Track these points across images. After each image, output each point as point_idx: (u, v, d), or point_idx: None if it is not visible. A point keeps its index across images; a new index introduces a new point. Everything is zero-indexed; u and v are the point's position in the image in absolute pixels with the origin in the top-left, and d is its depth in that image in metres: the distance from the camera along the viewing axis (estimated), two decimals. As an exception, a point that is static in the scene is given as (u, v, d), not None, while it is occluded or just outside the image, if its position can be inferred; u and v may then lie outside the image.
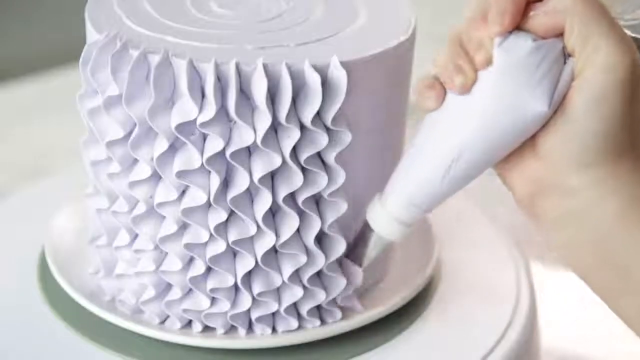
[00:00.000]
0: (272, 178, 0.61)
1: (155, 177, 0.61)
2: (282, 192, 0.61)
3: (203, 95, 0.59)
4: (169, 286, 0.65)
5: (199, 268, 0.63)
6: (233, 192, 0.61)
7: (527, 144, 0.55)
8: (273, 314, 0.65)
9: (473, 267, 0.76)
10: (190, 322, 0.66)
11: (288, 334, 0.66)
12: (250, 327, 0.66)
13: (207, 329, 0.66)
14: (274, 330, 0.66)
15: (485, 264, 0.77)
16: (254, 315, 0.65)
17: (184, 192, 0.61)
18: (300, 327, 0.66)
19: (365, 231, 0.60)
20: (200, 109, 0.59)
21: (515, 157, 0.56)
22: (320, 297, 0.65)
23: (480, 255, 0.78)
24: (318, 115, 0.60)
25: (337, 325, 0.67)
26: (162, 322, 0.66)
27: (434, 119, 0.55)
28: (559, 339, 1.06)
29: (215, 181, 0.60)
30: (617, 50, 0.51)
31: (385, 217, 0.58)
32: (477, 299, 0.73)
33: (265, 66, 0.59)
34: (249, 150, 0.60)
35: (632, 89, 0.52)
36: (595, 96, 0.52)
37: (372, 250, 0.60)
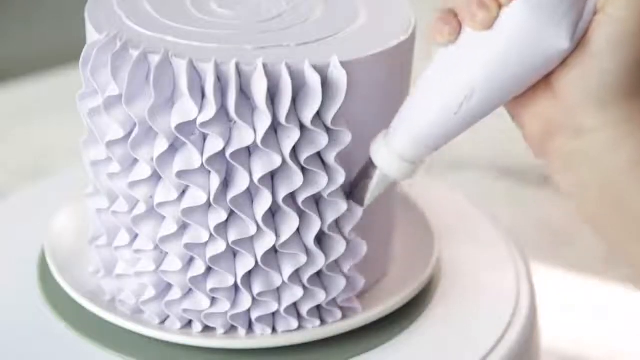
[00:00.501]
0: (272, 178, 0.61)
1: (155, 177, 0.61)
2: (282, 192, 0.61)
3: (203, 95, 0.59)
4: (169, 286, 0.65)
5: (199, 268, 0.63)
6: (233, 192, 0.61)
7: (541, 81, 0.54)
8: (273, 314, 0.65)
9: (473, 267, 0.76)
10: (190, 322, 0.66)
11: (288, 334, 0.66)
12: (250, 327, 0.66)
13: (207, 329, 0.66)
14: (273, 330, 0.66)
15: (486, 264, 0.77)
16: (254, 315, 0.65)
17: (184, 192, 0.61)
18: (300, 327, 0.66)
19: (368, 168, 0.59)
20: (200, 109, 0.59)
21: (529, 94, 0.55)
22: (320, 297, 0.65)
23: (480, 255, 0.78)
24: (318, 115, 0.60)
25: (337, 325, 0.67)
26: (162, 322, 0.66)
27: (446, 54, 0.54)
28: (559, 339, 1.06)
29: (215, 181, 0.60)
30: None
31: (390, 155, 0.57)
32: (477, 299, 0.73)
33: (265, 66, 0.59)
34: (248, 150, 0.60)
35: None
36: (617, 33, 0.52)
37: (374, 189, 0.59)
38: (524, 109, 0.56)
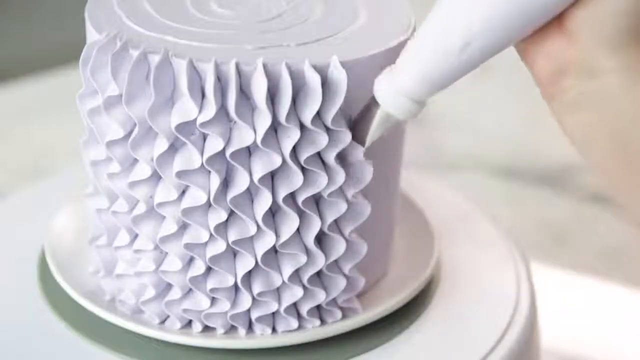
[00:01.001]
0: (272, 178, 0.61)
1: (155, 177, 0.61)
2: (282, 192, 0.61)
3: (203, 95, 0.59)
4: (169, 286, 0.65)
5: (199, 268, 0.63)
6: (233, 192, 0.61)
7: (554, 19, 0.53)
8: (273, 313, 0.65)
9: (473, 267, 0.76)
10: (190, 322, 0.66)
11: (288, 334, 0.66)
12: (250, 327, 0.66)
13: (207, 329, 0.66)
14: (273, 330, 0.66)
15: (486, 264, 0.77)
16: (254, 315, 0.65)
17: (184, 192, 0.61)
18: (300, 327, 0.66)
19: (371, 107, 0.57)
20: (200, 109, 0.59)
21: (540, 33, 0.54)
22: (320, 297, 0.65)
23: (480, 255, 0.78)
24: (318, 115, 0.60)
25: (337, 325, 0.67)
26: (162, 322, 0.66)
27: None
28: (559, 339, 1.06)
29: (215, 181, 0.60)
30: None
31: (395, 93, 0.55)
32: (477, 299, 0.73)
33: (265, 66, 0.59)
34: (249, 150, 0.60)
35: None
36: None
37: (376, 129, 0.58)
38: (534, 47, 0.55)
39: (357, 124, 0.60)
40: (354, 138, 0.60)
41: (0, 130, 1.40)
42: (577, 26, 0.53)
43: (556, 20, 0.53)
